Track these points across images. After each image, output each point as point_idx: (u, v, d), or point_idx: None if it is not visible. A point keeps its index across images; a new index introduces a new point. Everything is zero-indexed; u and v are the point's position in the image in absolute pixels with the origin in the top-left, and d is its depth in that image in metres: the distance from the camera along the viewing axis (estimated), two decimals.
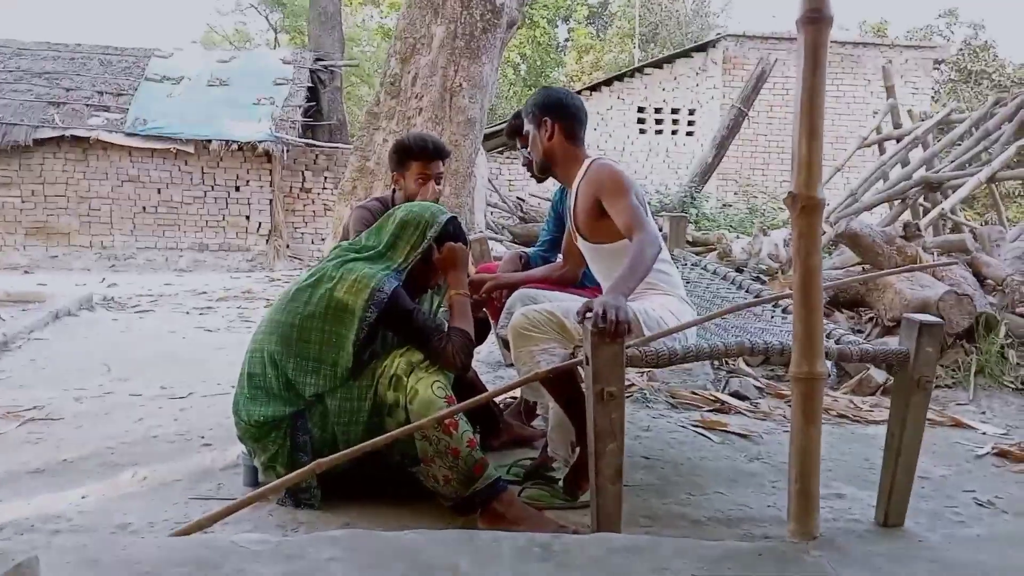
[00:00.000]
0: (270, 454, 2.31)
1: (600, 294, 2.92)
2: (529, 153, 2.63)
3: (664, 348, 2.17)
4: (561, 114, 2.54)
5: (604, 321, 1.97)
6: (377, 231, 2.46)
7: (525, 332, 2.29)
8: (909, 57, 15.08)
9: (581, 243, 2.61)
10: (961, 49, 21.77)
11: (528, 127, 2.57)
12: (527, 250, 3.54)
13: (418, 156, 3.00)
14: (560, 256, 3.05)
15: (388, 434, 2.13)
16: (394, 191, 3.14)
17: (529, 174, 3.22)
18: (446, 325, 2.40)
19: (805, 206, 1.86)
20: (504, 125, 13.18)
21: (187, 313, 6.48)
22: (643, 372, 3.88)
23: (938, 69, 17.05)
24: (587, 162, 2.52)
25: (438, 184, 3.07)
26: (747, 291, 3.14)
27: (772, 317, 2.86)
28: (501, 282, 2.95)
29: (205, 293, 7.90)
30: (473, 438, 2.25)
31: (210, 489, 2.46)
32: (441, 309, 2.58)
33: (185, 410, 3.41)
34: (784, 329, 2.73)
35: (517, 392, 2.93)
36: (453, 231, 2.46)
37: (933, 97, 16.49)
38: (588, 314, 2.01)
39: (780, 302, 2.84)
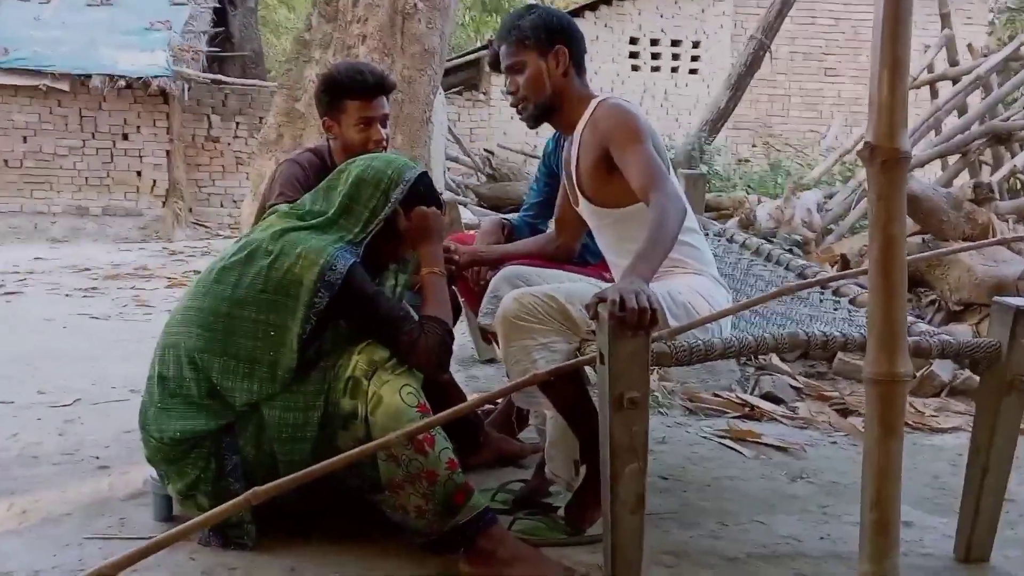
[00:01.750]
0: (189, 480, 2.24)
1: (605, 271, 2.89)
2: (509, 93, 2.54)
3: (698, 342, 2.12)
4: (572, 39, 2.49)
5: (624, 309, 1.89)
6: (325, 192, 2.37)
7: (519, 322, 2.23)
8: None
9: (584, 207, 2.55)
10: None
11: (520, 57, 2.47)
12: (510, 217, 3.47)
13: (355, 93, 2.86)
14: (552, 224, 2.99)
15: (344, 454, 2.04)
16: (328, 141, 3.03)
17: (521, 117, 3.13)
18: (413, 312, 2.33)
19: (887, 160, 1.80)
20: (466, 57, 12.99)
21: (67, 296, 6.33)
22: (651, 370, 3.85)
23: None
24: (594, 102, 2.47)
25: (384, 127, 2.95)
26: (787, 268, 3.12)
27: (821, 301, 2.84)
28: (480, 257, 2.88)
29: (88, 270, 7.73)
30: (453, 458, 2.20)
31: (111, 526, 2.38)
32: (405, 291, 2.50)
33: (72, 422, 3.31)
34: (838, 316, 2.71)
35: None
36: (424, 191, 2.39)
37: (989, 30, 16.67)
38: (601, 305, 1.95)
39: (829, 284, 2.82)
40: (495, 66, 3.20)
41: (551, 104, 2.49)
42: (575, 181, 2.52)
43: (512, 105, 3.08)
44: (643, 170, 2.28)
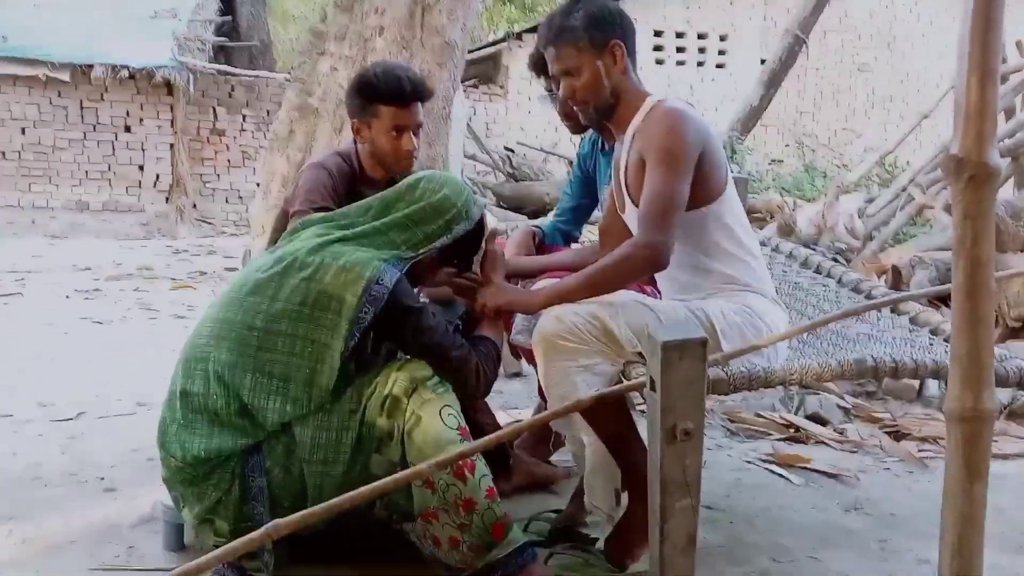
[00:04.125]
0: (209, 503, 2.18)
1: (647, 284, 2.81)
2: (566, 99, 2.44)
3: (757, 368, 2.06)
4: (627, 31, 2.38)
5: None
6: (381, 202, 2.33)
7: (559, 342, 2.17)
8: None
9: (630, 213, 2.46)
10: None
11: (575, 59, 2.35)
12: (540, 222, 3.40)
13: (391, 99, 2.80)
14: (589, 233, 2.92)
15: (374, 484, 1.96)
16: (356, 145, 2.96)
17: (568, 123, 3.05)
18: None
19: (975, 175, 1.71)
20: (480, 51, 12.93)
21: (67, 298, 6.30)
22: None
23: None
24: (649, 102, 2.36)
25: (416, 137, 2.89)
26: (840, 282, 3.04)
27: (879, 319, 2.77)
28: (513, 269, 2.81)
29: (89, 269, 7.71)
30: (492, 487, 2.15)
31: (118, 555, 2.33)
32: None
33: (75, 438, 3.25)
34: (897, 336, 2.63)
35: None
36: (479, 229, 2.39)
37: None
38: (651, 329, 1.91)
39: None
40: (539, 68, 3.12)
41: (610, 105, 2.39)
42: (624, 185, 2.44)
43: (566, 112, 3.01)
44: (651, 203, 2.21)
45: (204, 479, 2.16)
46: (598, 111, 2.40)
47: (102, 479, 2.84)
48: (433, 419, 2.09)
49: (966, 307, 1.77)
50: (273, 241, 2.76)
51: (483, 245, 2.42)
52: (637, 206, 2.40)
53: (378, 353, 2.36)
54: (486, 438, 1.90)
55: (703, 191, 2.28)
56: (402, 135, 2.83)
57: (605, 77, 2.34)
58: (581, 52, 2.33)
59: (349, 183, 2.88)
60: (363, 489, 1.88)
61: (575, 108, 2.47)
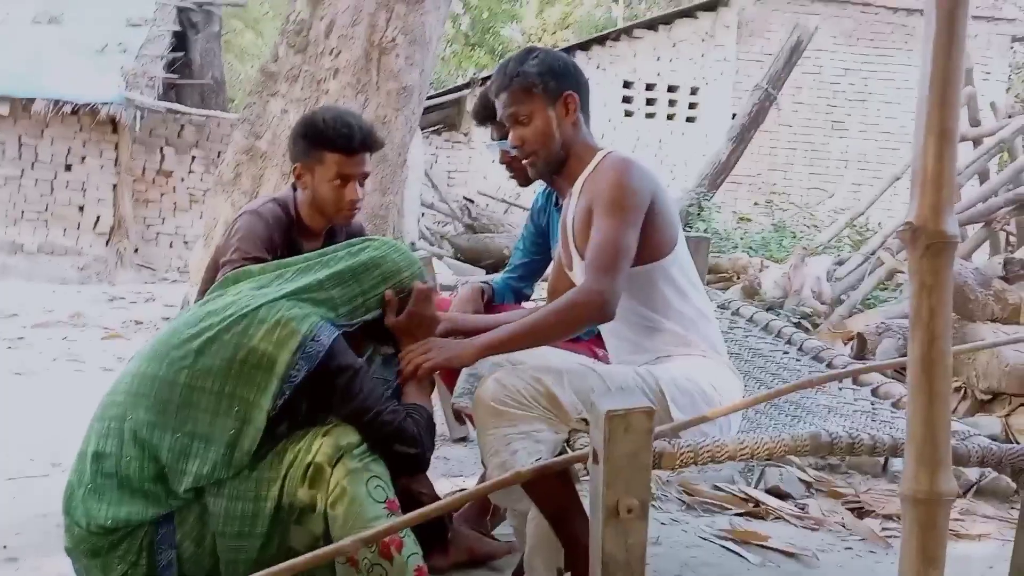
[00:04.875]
0: None
1: (598, 347, 2.79)
2: (513, 147, 2.45)
3: (706, 441, 2.02)
4: (580, 84, 2.42)
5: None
6: (320, 259, 2.30)
7: (499, 407, 2.14)
8: (979, 31, 15.48)
9: (578, 268, 2.45)
10: None
11: (527, 106, 2.38)
12: (490, 279, 3.38)
13: (337, 147, 2.77)
14: (542, 291, 2.90)
15: (293, 560, 1.90)
16: (295, 189, 2.93)
17: (512, 175, 3.06)
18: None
19: (932, 244, 1.70)
20: (444, 96, 13.05)
21: None
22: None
23: (1013, 49, 17.54)
24: (599, 155, 2.39)
25: (362, 187, 2.86)
26: (800, 349, 3.03)
27: (840, 389, 2.75)
28: (458, 327, 2.77)
29: (16, 316, 7.53)
30: (422, 566, 2.09)
31: None
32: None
33: None
34: (859, 408, 2.62)
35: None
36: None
37: (1007, 86, 16.96)
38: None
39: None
40: (484, 118, 3.13)
41: (559, 158, 2.40)
42: (572, 239, 2.43)
43: (508, 161, 3.02)
44: (598, 251, 2.21)
45: (111, 550, 2.08)
46: (547, 163, 2.41)
47: (4, 547, 2.73)
48: (358, 491, 2.03)
49: (922, 383, 1.75)
50: (203, 293, 2.71)
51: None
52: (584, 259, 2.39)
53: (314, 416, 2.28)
54: (413, 513, 1.84)
55: (652, 246, 2.29)
56: (347, 184, 2.80)
57: (556, 128, 2.36)
58: (533, 99, 2.36)
59: (286, 232, 2.84)
60: (281, 566, 1.82)
61: (523, 160, 2.46)
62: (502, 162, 3.11)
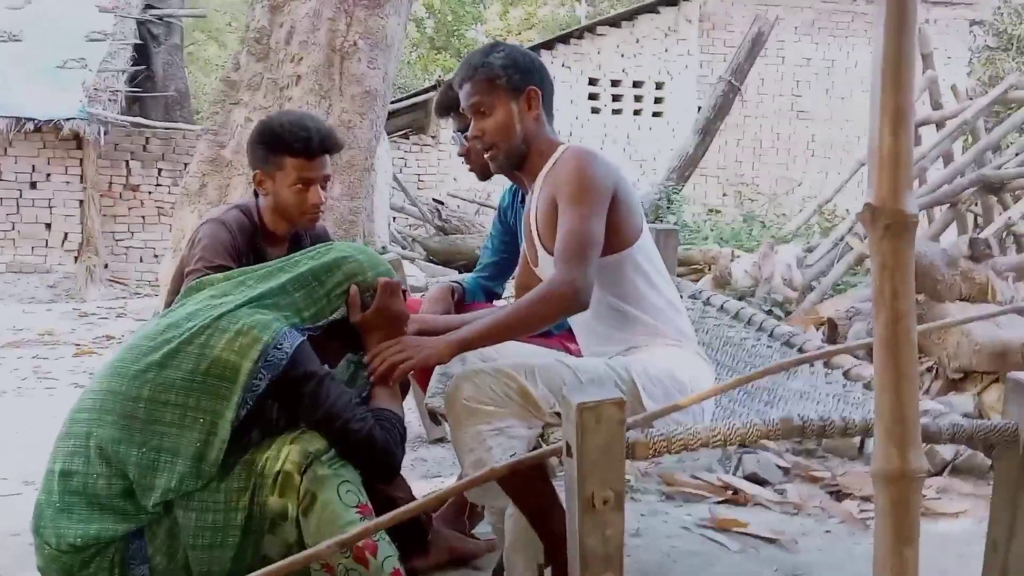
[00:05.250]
0: None
1: (569, 342, 2.79)
2: (473, 138, 2.45)
3: (678, 429, 2.01)
4: (544, 80, 2.43)
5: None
6: (282, 264, 2.28)
7: (472, 404, 2.13)
8: (939, 17, 15.64)
9: (544, 262, 2.45)
10: (999, 8, 22.74)
11: (488, 97, 2.38)
12: (460, 278, 3.37)
13: (296, 151, 2.75)
14: (512, 288, 2.90)
15: (269, 568, 1.89)
16: (257, 196, 2.91)
17: (471, 168, 3.06)
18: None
19: (892, 224, 1.71)
20: (411, 100, 13.02)
21: None
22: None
23: (973, 33, 17.72)
24: (560, 150, 2.40)
25: (324, 189, 2.85)
26: (771, 335, 3.04)
27: (812, 373, 2.76)
28: (429, 327, 2.76)
29: None
30: (399, 568, 2.07)
31: None
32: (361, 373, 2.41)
33: None
34: (831, 391, 2.63)
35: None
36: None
37: (968, 70, 17.12)
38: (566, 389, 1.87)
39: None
40: (446, 109, 3.13)
41: (520, 152, 2.41)
42: (536, 234, 2.43)
43: (464, 154, 3.04)
44: (567, 241, 2.21)
45: (82, 568, 2.05)
46: (508, 157, 2.41)
47: None
48: (330, 497, 2.01)
49: (888, 362, 1.76)
50: (168, 304, 2.68)
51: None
52: (551, 254, 2.38)
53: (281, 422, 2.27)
54: (387, 515, 1.83)
55: (619, 235, 2.31)
56: (308, 188, 2.78)
57: (518, 121, 2.37)
58: (496, 91, 2.37)
59: (249, 239, 2.82)
60: (256, 574, 1.80)
61: (483, 152, 2.46)
62: (460, 154, 3.12)
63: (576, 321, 2.50)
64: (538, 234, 2.41)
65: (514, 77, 2.37)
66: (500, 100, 2.37)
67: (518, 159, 2.41)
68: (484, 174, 2.96)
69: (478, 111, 2.39)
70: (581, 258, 2.18)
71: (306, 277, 2.22)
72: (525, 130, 2.38)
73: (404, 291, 2.39)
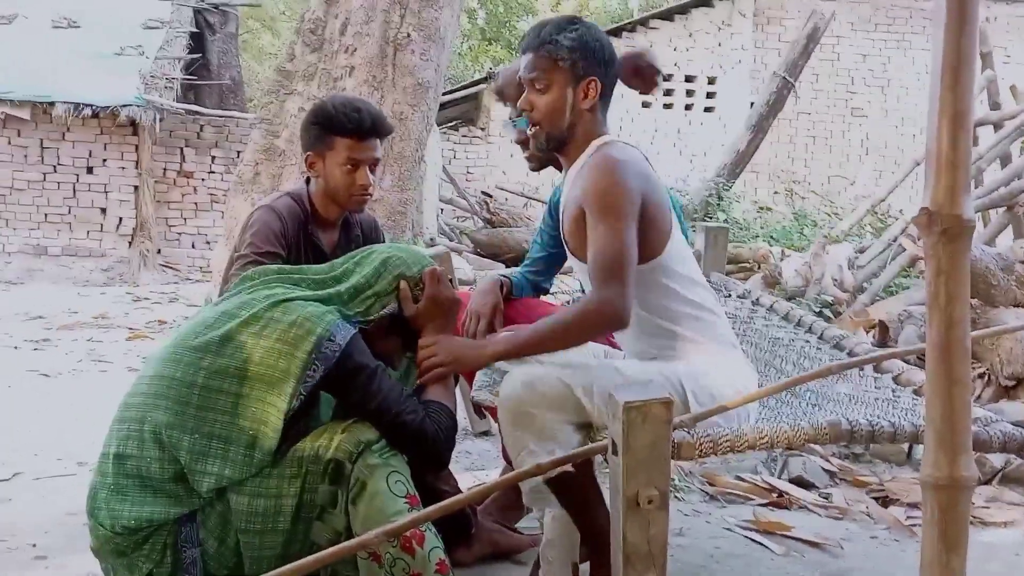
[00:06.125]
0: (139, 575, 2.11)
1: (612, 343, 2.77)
2: (521, 109, 2.37)
3: (725, 431, 2.02)
4: (609, 72, 2.33)
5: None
6: (343, 265, 2.33)
7: (528, 409, 2.11)
8: (999, 14, 15.33)
9: (577, 269, 2.44)
10: None
11: (547, 75, 2.30)
12: (510, 272, 3.37)
13: (347, 131, 2.79)
14: (562, 283, 2.89)
15: (318, 554, 1.91)
16: (309, 182, 2.95)
17: (528, 156, 3.00)
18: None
19: (949, 229, 1.69)
20: (463, 91, 13.03)
21: (15, 348, 6.20)
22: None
23: None
24: (593, 146, 2.32)
25: (373, 173, 2.88)
26: (821, 337, 3.02)
27: (861, 377, 2.74)
28: (487, 321, 2.80)
29: (42, 318, 7.61)
30: (444, 559, 2.10)
31: None
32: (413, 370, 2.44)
33: (7, 501, 3.18)
34: (880, 396, 2.60)
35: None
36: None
37: None
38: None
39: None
40: (505, 96, 3.08)
41: (561, 138, 2.34)
42: (563, 235, 2.41)
43: (522, 141, 2.97)
44: (600, 261, 2.15)
45: (135, 549, 2.10)
46: (548, 140, 2.35)
47: (34, 546, 2.77)
48: (379, 487, 2.04)
49: (941, 368, 1.74)
50: (222, 291, 2.73)
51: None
52: (575, 255, 2.36)
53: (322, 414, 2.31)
54: (435, 506, 1.85)
55: (647, 246, 2.23)
56: (357, 169, 2.81)
57: (568, 108, 2.30)
58: (556, 71, 2.29)
59: (300, 225, 2.86)
60: (304, 560, 1.83)
61: (527, 128, 2.39)
62: (517, 141, 3.06)
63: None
64: (565, 238, 2.38)
65: (578, 63, 2.28)
66: (558, 82, 2.29)
67: (558, 143, 2.35)
68: (540, 165, 2.93)
69: (533, 84, 2.32)
70: (618, 277, 2.12)
71: (361, 285, 2.26)
72: (574, 118, 2.31)
73: (451, 280, 2.41)
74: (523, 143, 3.06)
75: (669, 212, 2.33)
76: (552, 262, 3.25)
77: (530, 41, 2.33)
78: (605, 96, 2.34)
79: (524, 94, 2.35)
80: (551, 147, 2.37)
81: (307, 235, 2.88)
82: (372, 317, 2.24)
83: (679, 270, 2.32)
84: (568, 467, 2.12)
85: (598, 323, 2.16)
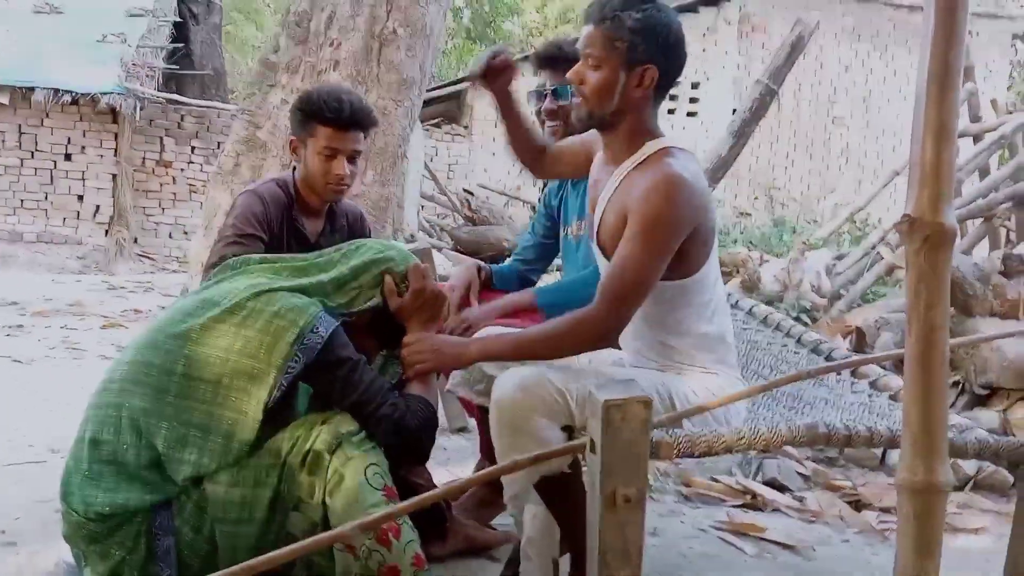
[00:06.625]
0: (112, 563, 2.09)
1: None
2: (581, 82, 2.19)
3: (703, 432, 2.02)
4: (670, 63, 2.16)
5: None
6: (330, 257, 2.31)
7: (522, 414, 2.07)
8: (980, 29, 15.47)
9: (599, 256, 2.33)
10: None
11: (602, 54, 2.13)
12: (503, 266, 3.33)
13: (327, 120, 2.81)
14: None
15: (293, 546, 1.91)
16: (294, 168, 2.96)
17: (553, 129, 2.96)
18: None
19: (931, 236, 1.71)
20: (445, 89, 12.93)
21: None
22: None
23: (1015, 47, 17.55)
24: (652, 145, 2.18)
25: (352, 164, 2.88)
26: (799, 341, 3.04)
27: (838, 382, 2.76)
28: (459, 294, 2.82)
29: (16, 304, 7.53)
30: (420, 553, 2.10)
31: None
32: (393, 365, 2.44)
33: None
34: (857, 400, 2.62)
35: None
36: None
37: (1008, 84, 16.96)
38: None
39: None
40: (547, 62, 3.00)
41: (605, 121, 2.20)
42: (595, 230, 2.31)
43: (551, 112, 2.95)
44: (616, 278, 2.09)
45: (108, 536, 2.08)
46: (590, 118, 2.20)
47: (3, 532, 2.72)
48: (357, 478, 2.03)
49: (918, 375, 1.76)
50: (204, 279, 2.72)
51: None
52: (603, 250, 2.27)
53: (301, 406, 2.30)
54: (412, 500, 1.85)
55: (682, 263, 2.16)
56: (335, 158, 2.83)
57: (619, 92, 2.14)
58: (613, 51, 2.12)
59: (284, 211, 2.88)
60: (280, 551, 1.82)
61: (574, 97, 2.26)
62: (546, 110, 2.98)
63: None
64: (600, 219, 2.27)
65: (639, 47, 2.10)
66: (612, 63, 2.12)
67: (599, 124, 2.20)
68: (564, 135, 2.83)
69: (587, 60, 2.16)
70: (628, 302, 2.09)
71: (345, 277, 2.26)
72: (622, 104, 2.15)
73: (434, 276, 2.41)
74: (551, 113, 3.01)
75: (714, 236, 2.24)
76: (543, 252, 3.23)
77: (594, 13, 2.16)
78: (662, 87, 2.18)
79: (576, 66, 2.20)
80: (591, 125, 2.24)
81: (291, 221, 2.90)
82: (355, 310, 2.23)
83: (705, 295, 2.25)
84: (564, 469, 2.14)
85: (591, 339, 2.13)
